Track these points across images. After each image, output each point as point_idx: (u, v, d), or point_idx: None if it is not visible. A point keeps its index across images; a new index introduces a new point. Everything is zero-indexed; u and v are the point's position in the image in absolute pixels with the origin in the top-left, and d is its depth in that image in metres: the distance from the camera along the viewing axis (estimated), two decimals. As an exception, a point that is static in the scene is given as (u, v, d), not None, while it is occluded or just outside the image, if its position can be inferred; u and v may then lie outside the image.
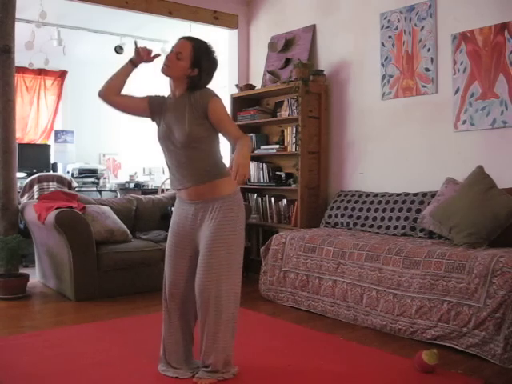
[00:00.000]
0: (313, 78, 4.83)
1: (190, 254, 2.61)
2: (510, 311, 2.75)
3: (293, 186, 4.94)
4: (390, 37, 4.48)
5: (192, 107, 2.50)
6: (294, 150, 4.91)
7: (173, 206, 4.95)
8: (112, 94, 2.58)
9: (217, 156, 2.60)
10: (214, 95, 2.54)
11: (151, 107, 2.64)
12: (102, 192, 6.93)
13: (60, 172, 6.86)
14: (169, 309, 2.64)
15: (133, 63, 2.59)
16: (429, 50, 4.19)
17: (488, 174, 3.56)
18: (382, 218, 4.21)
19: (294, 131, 4.89)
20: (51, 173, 6.48)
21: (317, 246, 3.90)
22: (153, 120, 2.68)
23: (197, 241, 2.59)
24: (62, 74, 7.46)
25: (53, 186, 5.77)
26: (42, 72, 7.24)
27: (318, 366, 2.79)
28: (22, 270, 4.65)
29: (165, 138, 2.58)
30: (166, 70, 2.53)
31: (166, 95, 2.67)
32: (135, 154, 7.81)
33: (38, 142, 7.26)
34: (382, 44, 4.54)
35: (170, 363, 2.63)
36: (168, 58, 2.53)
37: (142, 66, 2.65)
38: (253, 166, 5.36)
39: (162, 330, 2.67)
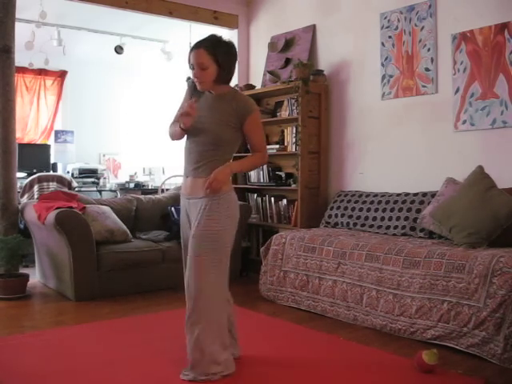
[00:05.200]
0: (313, 78, 4.84)
1: None
2: (510, 311, 2.75)
3: (293, 186, 4.94)
4: (390, 37, 4.48)
5: (231, 112, 2.57)
6: (293, 150, 4.91)
7: (173, 206, 5.00)
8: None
9: (230, 157, 2.67)
10: (256, 109, 2.66)
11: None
12: (102, 192, 6.93)
13: (60, 172, 6.85)
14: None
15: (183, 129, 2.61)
16: (429, 50, 4.19)
17: (488, 174, 3.56)
18: (382, 218, 4.21)
19: (294, 131, 4.89)
20: (51, 173, 6.47)
21: (317, 246, 3.90)
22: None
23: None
24: (62, 74, 7.45)
25: (53, 186, 5.76)
26: (42, 72, 7.23)
27: (318, 365, 2.79)
28: (22, 270, 4.65)
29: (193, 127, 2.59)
30: (204, 85, 2.58)
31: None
32: (135, 154, 7.81)
33: (38, 142, 7.25)
34: (382, 44, 4.54)
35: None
36: (196, 75, 2.54)
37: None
38: (253, 166, 5.36)
39: None
